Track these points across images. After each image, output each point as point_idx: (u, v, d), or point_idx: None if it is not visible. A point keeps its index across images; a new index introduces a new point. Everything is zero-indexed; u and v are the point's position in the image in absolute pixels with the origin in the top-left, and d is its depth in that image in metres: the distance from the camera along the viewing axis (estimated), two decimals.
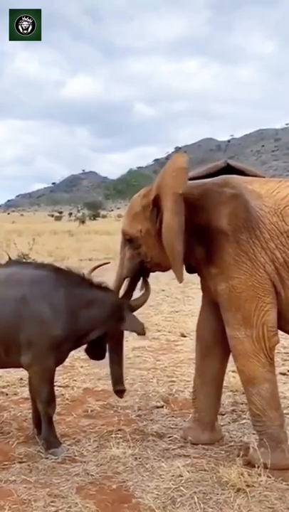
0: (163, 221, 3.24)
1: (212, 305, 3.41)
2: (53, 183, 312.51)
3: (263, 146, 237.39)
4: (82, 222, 41.00)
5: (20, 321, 3.29)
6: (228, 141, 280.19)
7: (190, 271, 3.47)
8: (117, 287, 3.63)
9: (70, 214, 73.90)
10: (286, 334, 3.45)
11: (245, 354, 3.15)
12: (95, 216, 52.48)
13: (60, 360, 3.50)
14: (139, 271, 3.59)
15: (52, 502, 2.79)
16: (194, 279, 3.62)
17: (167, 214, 3.18)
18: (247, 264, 3.09)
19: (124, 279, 3.61)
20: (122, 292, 3.64)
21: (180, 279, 3.23)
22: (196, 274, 3.49)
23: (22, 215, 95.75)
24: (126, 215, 3.61)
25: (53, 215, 67.99)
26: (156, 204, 3.32)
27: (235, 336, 3.17)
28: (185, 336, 6.35)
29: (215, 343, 3.49)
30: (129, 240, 3.52)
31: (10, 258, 9.77)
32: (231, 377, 4.41)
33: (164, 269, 3.53)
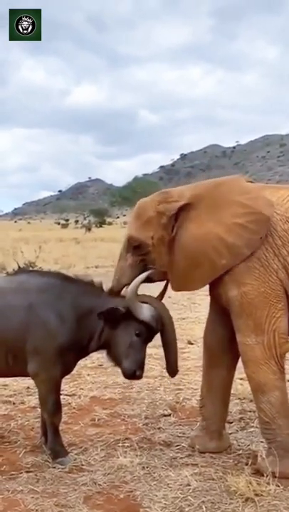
0: (188, 232, 3.24)
1: (220, 313, 3.40)
2: (60, 191, 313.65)
3: (268, 151, 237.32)
4: (89, 229, 41.08)
5: (27, 329, 3.29)
6: (234, 147, 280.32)
7: None
8: (116, 295, 3.49)
9: (77, 221, 74.06)
10: None
11: (256, 361, 3.13)
12: (101, 223, 52.56)
13: (67, 370, 3.48)
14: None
15: None
16: None
17: (208, 224, 3.18)
18: (260, 271, 3.09)
19: (123, 287, 3.48)
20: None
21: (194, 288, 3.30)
22: None
23: (29, 222, 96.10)
24: (134, 220, 3.50)
25: (59, 223, 68.17)
26: (179, 212, 3.29)
27: (246, 342, 3.15)
28: (192, 344, 6.33)
29: (222, 351, 3.48)
30: (136, 247, 3.42)
31: (19, 266, 9.82)
32: (239, 385, 4.39)
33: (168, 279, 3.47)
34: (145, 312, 3.32)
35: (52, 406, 3.39)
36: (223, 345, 3.45)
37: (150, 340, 3.43)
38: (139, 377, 3.38)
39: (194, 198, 3.30)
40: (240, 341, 3.19)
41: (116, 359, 3.44)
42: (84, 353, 3.53)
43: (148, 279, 3.47)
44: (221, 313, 3.37)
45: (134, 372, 3.33)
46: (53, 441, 3.42)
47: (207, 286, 3.46)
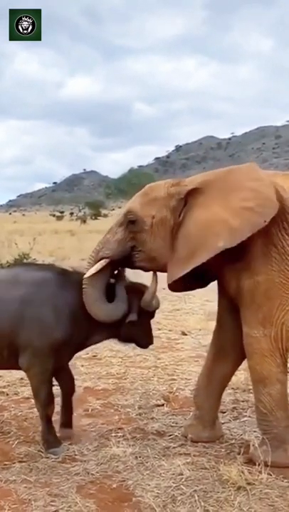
0: (194, 218, 3.14)
1: (229, 307, 3.35)
2: (54, 183, 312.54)
3: (263, 143, 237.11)
4: (84, 221, 40.98)
5: (21, 322, 3.28)
6: (229, 138, 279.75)
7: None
8: (91, 264, 3.36)
9: (72, 213, 73.90)
10: None
11: (261, 353, 3.10)
12: (96, 215, 52.41)
13: (60, 363, 3.48)
14: (122, 258, 3.35)
15: (52, 501, 2.78)
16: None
17: (215, 209, 3.07)
18: (276, 258, 3.01)
19: (101, 260, 3.33)
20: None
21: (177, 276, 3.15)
22: None
23: (24, 214, 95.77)
24: (140, 196, 3.38)
25: (54, 215, 67.96)
26: (188, 196, 3.21)
27: (252, 334, 3.10)
28: (186, 334, 6.33)
29: (231, 346, 3.42)
30: (131, 222, 3.29)
31: (15, 259, 9.78)
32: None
33: (154, 268, 3.36)
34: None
35: (45, 398, 3.39)
36: (232, 340, 3.38)
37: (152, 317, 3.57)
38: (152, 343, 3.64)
39: (204, 183, 3.21)
40: (247, 333, 3.14)
41: (128, 340, 3.57)
42: (82, 346, 3.54)
43: (129, 262, 3.37)
44: (230, 308, 3.33)
45: (148, 344, 3.60)
46: (46, 432, 3.42)
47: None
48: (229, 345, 3.46)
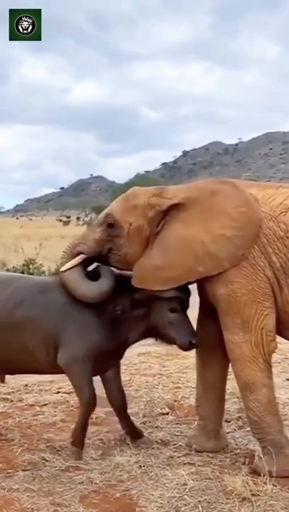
0: (173, 232, 3.23)
1: (210, 311, 3.37)
2: (61, 188, 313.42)
3: (270, 149, 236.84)
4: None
5: (65, 322, 3.33)
6: (236, 144, 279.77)
7: None
8: (66, 259, 3.45)
9: (78, 218, 73.98)
10: None
11: (243, 359, 3.13)
12: None
13: (104, 366, 3.52)
14: (97, 257, 3.45)
15: (55, 511, 2.76)
16: None
17: (195, 229, 3.17)
18: (247, 269, 3.09)
19: (77, 255, 3.41)
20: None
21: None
22: None
23: (30, 219, 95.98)
24: (120, 201, 3.47)
25: (61, 220, 68.10)
26: (170, 210, 3.28)
27: (233, 340, 3.15)
28: None
29: (215, 349, 3.44)
30: (110, 224, 3.38)
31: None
32: (236, 383, 4.37)
33: (128, 269, 3.40)
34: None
35: (89, 395, 3.39)
36: (215, 343, 3.40)
37: (186, 308, 3.44)
38: (196, 344, 3.37)
39: (188, 199, 3.28)
40: (228, 339, 3.18)
41: (167, 340, 3.48)
42: (124, 348, 3.57)
43: (105, 261, 3.45)
44: (210, 312, 3.35)
45: (190, 343, 3.34)
46: (79, 430, 3.42)
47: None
48: (210, 348, 3.46)
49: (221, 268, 3.10)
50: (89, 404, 3.39)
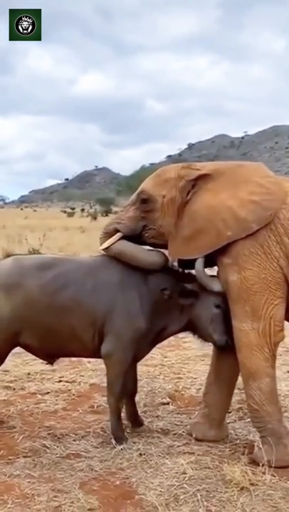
0: (201, 200, 3.31)
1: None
2: (66, 179, 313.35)
3: (276, 142, 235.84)
4: (94, 218, 41.00)
5: (113, 307, 3.35)
6: (242, 137, 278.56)
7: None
8: (104, 238, 3.53)
9: (83, 210, 74.03)
10: None
11: (250, 346, 3.15)
12: (107, 212, 52.36)
13: (140, 354, 3.55)
14: (135, 235, 3.49)
15: (55, 497, 2.80)
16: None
17: (223, 196, 3.25)
18: (261, 257, 3.12)
19: (114, 233, 3.50)
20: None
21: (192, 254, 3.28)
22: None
23: (35, 210, 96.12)
24: (152, 178, 3.56)
25: (65, 211, 68.14)
26: (198, 180, 3.37)
27: (241, 327, 3.17)
28: None
29: (232, 340, 3.41)
30: (143, 200, 3.47)
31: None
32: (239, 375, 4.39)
33: (164, 243, 3.45)
34: (217, 284, 3.32)
35: (119, 390, 3.42)
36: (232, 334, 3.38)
37: (228, 307, 3.40)
38: (231, 345, 3.35)
39: (215, 171, 3.39)
40: (236, 326, 3.21)
41: (204, 335, 3.48)
42: (160, 338, 3.58)
43: (141, 239, 3.50)
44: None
45: (227, 342, 3.34)
46: (115, 428, 3.44)
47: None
48: (230, 339, 3.43)
49: (249, 230, 3.12)
50: (118, 399, 3.44)
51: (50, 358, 3.65)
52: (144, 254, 3.45)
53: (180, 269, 3.53)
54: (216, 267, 3.41)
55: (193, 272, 3.45)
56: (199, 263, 3.31)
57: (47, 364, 3.78)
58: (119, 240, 3.46)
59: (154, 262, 3.42)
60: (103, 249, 3.49)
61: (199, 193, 3.35)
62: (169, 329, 3.53)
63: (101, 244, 3.53)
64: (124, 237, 3.48)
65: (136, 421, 3.69)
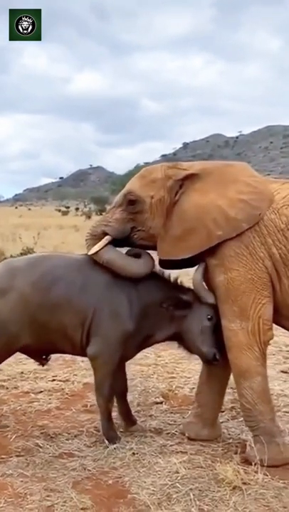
0: (190, 200, 3.30)
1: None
2: (61, 178, 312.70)
3: (271, 142, 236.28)
4: (88, 217, 40.92)
5: (100, 309, 3.32)
6: (237, 137, 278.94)
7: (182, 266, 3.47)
8: (90, 240, 3.46)
9: (77, 209, 73.87)
10: (287, 332, 3.46)
11: (239, 346, 3.17)
12: (101, 211, 52.24)
13: (126, 357, 3.52)
14: (123, 238, 3.44)
15: (47, 496, 2.80)
16: (191, 270, 3.57)
17: (212, 195, 3.26)
18: (247, 258, 3.14)
19: (102, 236, 3.41)
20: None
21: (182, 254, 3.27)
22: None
23: (29, 209, 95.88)
24: (138, 178, 3.51)
25: (60, 210, 67.96)
26: (186, 180, 3.36)
27: (230, 327, 3.19)
28: None
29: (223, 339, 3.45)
30: (131, 201, 3.41)
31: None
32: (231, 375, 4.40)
33: (153, 245, 3.42)
34: (212, 296, 3.31)
35: (107, 391, 3.41)
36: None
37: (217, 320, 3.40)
38: (219, 359, 3.34)
39: (203, 170, 3.39)
40: (225, 326, 3.23)
41: (191, 347, 3.44)
42: (146, 343, 3.55)
43: (130, 241, 3.47)
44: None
45: (215, 355, 3.32)
46: (106, 428, 3.43)
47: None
48: (221, 339, 3.45)
49: (240, 229, 3.14)
50: (107, 400, 3.42)
51: (45, 357, 3.63)
52: (131, 265, 3.37)
53: (168, 275, 3.50)
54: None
55: (173, 272, 3.47)
56: (198, 273, 3.32)
57: (39, 365, 3.77)
58: (107, 244, 3.39)
59: (141, 273, 3.36)
60: (91, 255, 3.42)
61: (188, 192, 3.34)
62: (156, 335, 3.49)
63: (87, 247, 3.47)
64: (113, 240, 3.42)
65: (129, 420, 3.68)
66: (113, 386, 3.45)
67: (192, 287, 3.41)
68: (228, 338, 3.22)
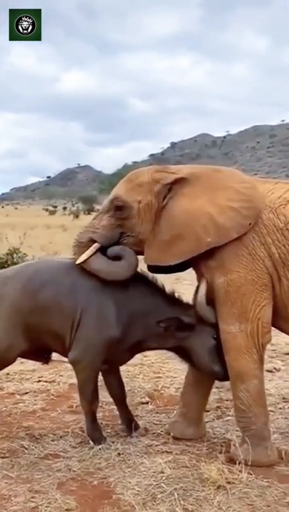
0: (179, 205, 3.24)
1: (208, 302, 3.35)
2: (48, 177, 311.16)
3: (258, 142, 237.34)
4: (76, 216, 40.85)
5: (83, 313, 3.28)
6: (224, 137, 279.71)
7: (181, 268, 3.44)
8: (78, 248, 3.39)
9: (65, 208, 73.65)
10: (274, 331, 3.46)
11: (238, 349, 3.15)
12: (89, 211, 52.14)
13: (113, 363, 3.50)
14: (112, 244, 3.35)
15: (32, 498, 2.79)
16: (185, 275, 3.59)
17: (201, 201, 3.21)
18: (247, 259, 3.12)
19: (90, 244, 3.33)
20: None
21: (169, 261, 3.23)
22: (187, 270, 3.49)
23: (16, 208, 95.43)
24: (125, 183, 3.44)
25: (47, 209, 67.69)
26: (174, 184, 3.30)
27: (228, 330, 3.16)
28: None
29: None
30: (118, 207, 3.33)
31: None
32: None
33: (143, 250, 3.35)
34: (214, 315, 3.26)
35: (90, 394, 3.39)
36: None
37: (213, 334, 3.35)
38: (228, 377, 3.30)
39: (191, 175, 3.33)
40: (223, 329, 3.20)
41: (199, 366, 3.39)
42: (137, 349, 3.52)
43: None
44: (209, 303, 3.33)
45: (227, 373, 3.27)
46: (91, 429, 3.42)
47: (194, 276, 3.47)
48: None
49: (229, 238, 3.12)
50: (90, 403, 3.41)
51: (46, 356, 3.64)
52: (114, 268, 3.29)
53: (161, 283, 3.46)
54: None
55: (159, 276, 3.45)
56: (201, 292, 3.25)
57: (42, 364, 3.77)
58: (96, 252, 3.32)
59: (126, 274, 3.29)
60: (80, 263, 3.33)
61: (176, 197, 3.28)
62: (149, 343, 3.44)
63: (74, 254, 3.40)
64: (101, 248, 3.34)
65: (131, 426, 3.61)
66: (96, 389, 3.43)
67: (192, 303, 3.36)
68: (227, 340, 3.19)
